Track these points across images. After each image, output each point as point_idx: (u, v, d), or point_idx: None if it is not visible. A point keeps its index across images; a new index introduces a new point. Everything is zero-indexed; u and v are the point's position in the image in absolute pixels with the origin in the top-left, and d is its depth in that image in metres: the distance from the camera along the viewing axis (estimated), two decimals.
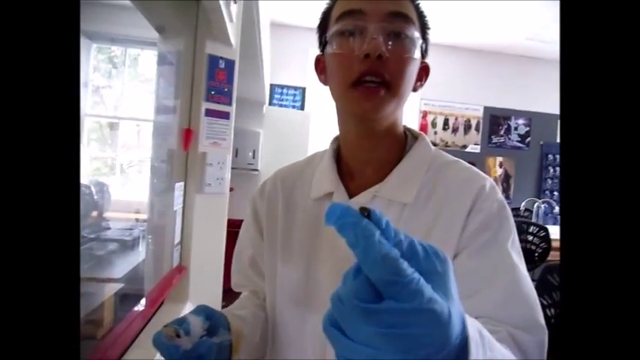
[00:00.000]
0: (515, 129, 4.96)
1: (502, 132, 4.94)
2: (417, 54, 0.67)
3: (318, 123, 4.17)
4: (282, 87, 4.49)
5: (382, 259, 0.30)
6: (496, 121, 4.92)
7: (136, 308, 1.28)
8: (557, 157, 4.94)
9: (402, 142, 0.74)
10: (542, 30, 3.95)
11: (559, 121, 4.92)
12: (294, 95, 4.49)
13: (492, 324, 0.56)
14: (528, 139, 4.99)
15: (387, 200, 0.68)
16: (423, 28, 0.71)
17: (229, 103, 1.52)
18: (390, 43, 0.65)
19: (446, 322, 0.31)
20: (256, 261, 0.79)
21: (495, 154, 4.92)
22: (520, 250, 0.65)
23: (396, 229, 0.33)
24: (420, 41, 0.67)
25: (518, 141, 4.98)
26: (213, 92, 1.47)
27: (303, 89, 4.48)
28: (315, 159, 0.81)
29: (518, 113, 4.94)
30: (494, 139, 4.94)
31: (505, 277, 0.60)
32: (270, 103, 4.37)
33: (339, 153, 0.77)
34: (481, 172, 0.71)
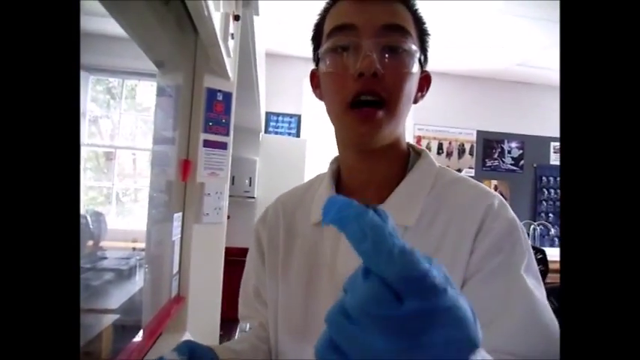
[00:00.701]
0: (509, 152, 5.02)
1: (496, 155, 4.99)
2: (416, 67, 0.63)
3: (314, 149, 4.20)
4: (278, 115, 4.54)
5: (400, 253, 0.26)
6: (489, 144, 4.97)
7: (134, 340, 1.27)
8: (552, 179, 4.98)
9: (404, 159, 0.70)
10: (533, 56, 4.04)
11: (558, 143, 4.98)
12: (290, 122, 4.53)
13: (505, 357, 0.50)
14: (522, 161, 5.04)
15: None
16: (422, 37, 0.67)
17: (227, 134, 1.55)
18: (386, 58, 0.61)
19: (473, 321, 0.27)
20: (260, 291, 0.76)
21: (490, 178, 4.95)
22: (537, 273, 0.58)
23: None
24: (417, 54, 0.63)
25: (512, 164, 5.02)
26: (211, 124, 1.50)
27: (299, 117, 4.54)
28: (316, 182, 0.78)
29: (511, 137, 5.00)
30: (489, 163, 4.98)
31: (520, 305, 0.54)
32: (266, 131, 4.42)
33: (339, 174, 0.73)
34: (489, 189, 0.66)
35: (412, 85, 0.64)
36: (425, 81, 0.71)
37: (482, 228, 0.60)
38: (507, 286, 0.56)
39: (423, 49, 0.67)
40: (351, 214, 0.27)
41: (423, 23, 0.68)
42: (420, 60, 0.65)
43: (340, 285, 0.61)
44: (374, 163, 0.67)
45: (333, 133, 0.70)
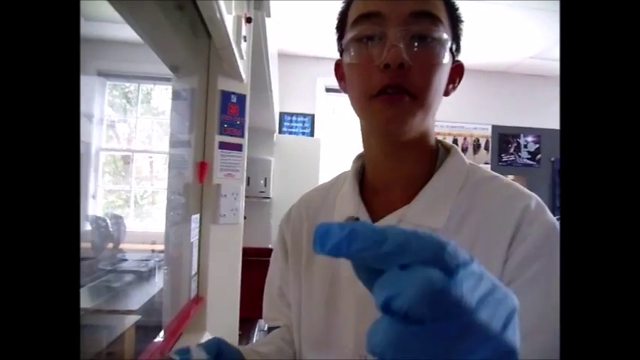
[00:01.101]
0: (525, 146, 4.95)
1: (512, 150, 4.94)
2: (447, 58, 0.59)
3: (329, 149, 4.21)
4: (292, 115, 4.55)
5: (431, 236, 0.25)
6: (505, 139, 4.92)
7: (155, 340, 1.30)
8: None
9: (433, 156, 0.66)
10: (546, 49, 3.99)
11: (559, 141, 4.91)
12: (303, 122, 4.54)
13: None
14: (539, 156, 4.97)
15: (413, 225, 0.59)
16: (455, 24, 0.62)
17: (242, 135, 1.56)
18: (414, 48, 0.56)
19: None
20: (284, 292, 0.73)
21: (506, 173, 4.90)
22: None
23: None
24: (449, 42, 0.58)
25: (528, 158, 4.96)
26: (226, 126, 1.51)
27: (312, 116, 4.54)
28: (339, 181, 0.74)
29: (527, 131, 4.94)
30: (505, 158, 4.93)
31: (555, 319, 0.47)
32: (280, 131, 4.43)
33: (363, 171, 0.70)
34: (525, 189, 0.61)
35: (443, 76, 0.60)
36: (457, 71, 0.66)
37: (517, 233, 0.55)
38: (544, 297, 0.52)
39: (456, 37, 0.62)
40: (343, 235, 0.25)
41: (456, 9, 0.63)
42: (451, 49, 0.60)
43: (360, 291, 0.58)
44: (400, 159, 0.63)
45: (359, 128, 0.67)
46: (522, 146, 4.95)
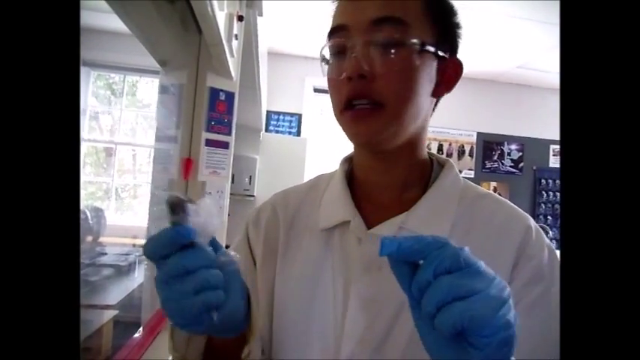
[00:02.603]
0: (509, 154, 5.02)
1: (495, 157, 5.00)
2: (418, 60, 0.57)
3: (315, 149, 4.21)
4: (279, 114, 4.54)
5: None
6: (489, 146, 4.98)
7: (134, 336, 1.28)
8: (551, 181, 4.99)
9: (426, 168, 0.66)
10: (533, 59, 4.05)
11: (557, 146, 4.99)
12: (290, 122, 4.53)
13: None
14: (521, 164, 5.04)
15: (414, 234, 0.56)
16: (439, 22, 0.60)
17: (229, 133, 1.55)
18: (380, 55, 0.55)
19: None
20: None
21: (489, 180, 4.96)
22: None
23: None
24: (417, 45, 0.56)
25: (511, 166, 5.03)
26: (213, 123, 1.50)
27: (299, 116, 4.53)
28: (321, 183, 0.72)
29: (511, 139, 5.00)
30: (488, 165, 4.99)
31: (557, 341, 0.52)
32: (267, 130, 4.42)
33: (351, 175, 0.69)
34: (518, 208, 0.63)
35: (414, 81, 0.58)
36: (451, 70, 0.63)
37: (522, 255, 0.57)
38: (547, 318, 0.54)
39: (442, 36, 0.61)
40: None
41: (441, 6, 0.61)
42: (434, 50, 0.59)
43: (353, 290, 0.57)
44: (390, 166, 0.63)
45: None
46: (506, 154, 5.01)
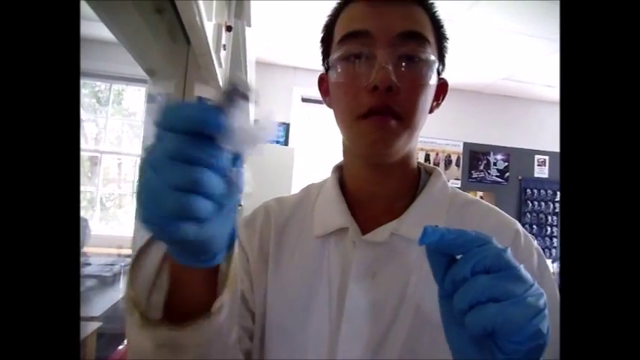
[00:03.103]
0: (495, 164, 5.07)
1: (482, 167, 5.05)
2: (434, 78, 0.59)
3: (303, 158, 4.21)
4: None
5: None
6: (476, 156, 5.03)
7: (118, 348, 1.26)
8: (536, 191, 5.05)
9: (415, 177, 0.67)
10: (518, 70, 4.11)
11: (542, 156, 5.05)
12: (278, 131, 4.53)
13: None
14: (507, 174, 5.10)
15: (406, 239, 0.60)
16: (441, 42, 0.63)
17: None
18: (402, 69, 0.56)
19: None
20: (246, 297, 0.67)
21: (476, 189, 5.00)
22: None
23: None
24: (436, 63, 0.59)
25: (497, 176, 5.08)
26: None
27: (287, 125, 4.54)
28: (311, 193, 0.72)
29: (497, 149, 5.06)
30: (475, 174, 5.03)
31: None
32: None
33: (341, 184, 0.69)
34: (505, 214, 0.65)
35: (429, 97, 0.60)
36: (441, 89, 0.66)
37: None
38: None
39: (441, 56, 0.63)
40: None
41: (441, 26, 0.63)
42: (438, 69, 0.61)
43: (348, 296, 0.57)
44: (384, 176, 0.63)
45: (335, 140, 0.67)
46: (492, 164, 5.07)
